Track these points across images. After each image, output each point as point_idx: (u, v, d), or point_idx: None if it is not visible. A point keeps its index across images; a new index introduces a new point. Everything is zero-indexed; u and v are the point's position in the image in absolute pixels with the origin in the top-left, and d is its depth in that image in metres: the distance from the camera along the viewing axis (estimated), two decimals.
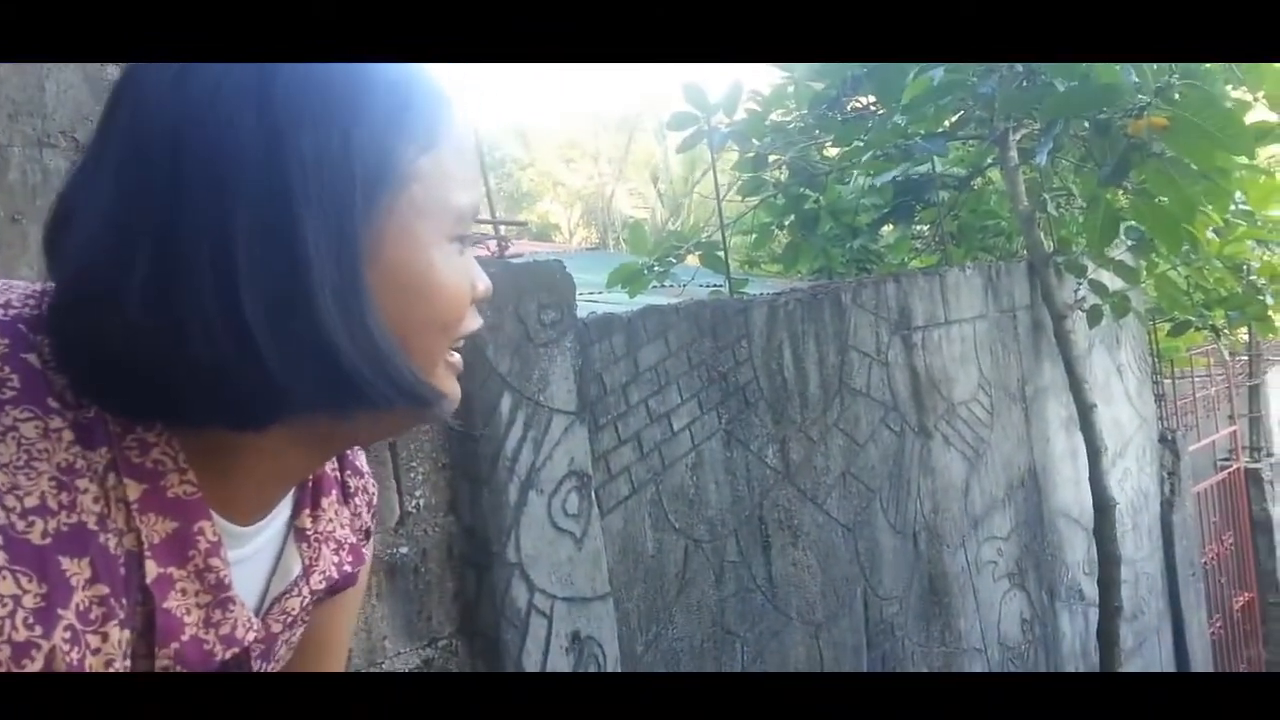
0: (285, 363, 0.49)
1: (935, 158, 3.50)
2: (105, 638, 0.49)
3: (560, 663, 1.78)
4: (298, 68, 0.51)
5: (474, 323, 0.60)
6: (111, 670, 0.49)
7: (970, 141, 3.73)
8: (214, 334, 0.48)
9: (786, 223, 4.04)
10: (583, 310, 1.98)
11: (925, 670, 2.74)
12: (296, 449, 0.57)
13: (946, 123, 3.50)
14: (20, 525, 0.46)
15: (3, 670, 0.44)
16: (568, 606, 1.81)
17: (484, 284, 0.60)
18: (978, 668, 2.94)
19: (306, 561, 0.66)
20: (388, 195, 0.52)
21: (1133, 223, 3.12)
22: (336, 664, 0.78)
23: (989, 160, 3.71)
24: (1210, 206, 2.87)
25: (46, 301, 0.52)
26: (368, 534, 0.75)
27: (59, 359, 0.50)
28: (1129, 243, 3.43)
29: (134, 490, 0.51)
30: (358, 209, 0.51)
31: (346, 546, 0.70)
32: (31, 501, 0.46)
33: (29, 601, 0.45)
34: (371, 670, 1.58)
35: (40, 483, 0.47)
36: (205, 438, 0.54)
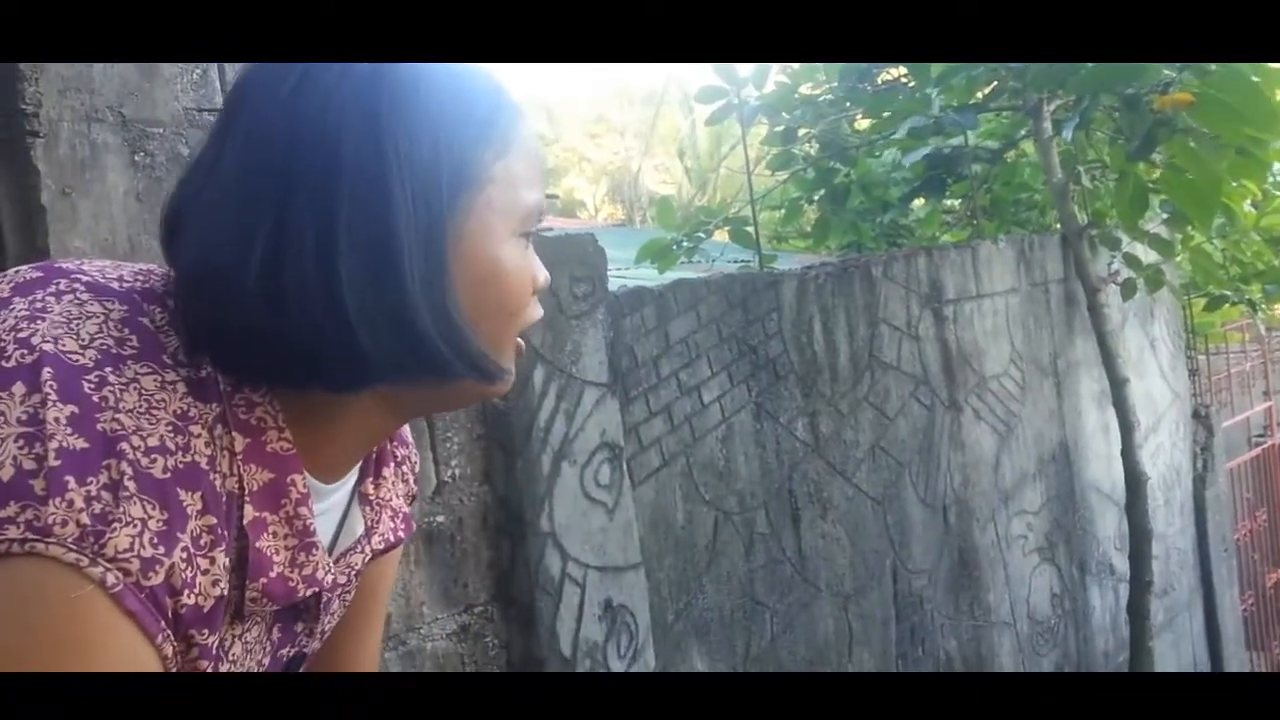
0: (373, 334, 0.56)
1: (967, 130, 3.47)
2: (213, 561, 0.55)
3: (594, 630, 1.81)
4: (401, 80, 0.58)
5: (536, 311, 0.67)
6: (218, 589, 0.56)
7: (1003, 113, 3.69)
8: (314, 305, 0.55)
9: (816, 197, 4.02)
10: (613, 285, 1.99)
11: (955, 643, 2.76)
12: (378, 414, 0.65)
13: (979, 94, 3.46)
14: (144, 461, 0.52)
15: (132, 581, 0.50)
16: (600, 575, 1.84)
17: (544, 275, 0.67)
18: (1007, 642, 2.94)
19: (368, 523, 0.73)
20: (468, 195, 0.60)
21: (1163, 197, 3.08)
22: (380, 617, 0.86)
23: (1022, 132, 3.67)
24: (1239, 181, 2.83)
25: (155, 276, 0.61)
26: (413, 499, 0.83)
27: (184, 325, 0.57)
28: (1163, 215, 3.39)
29: (239, 442, 0.58)
30: (444, 206, 0.58)
31: (400, 515, 0.78)
32: (153, 441, 0.53)
33: (154, 525, 0.52)
34: (410, 634, 1.62)
35: (159, 427, 0.53)
36: (303, 401, 0.61)
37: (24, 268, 0.58)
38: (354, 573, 0.72)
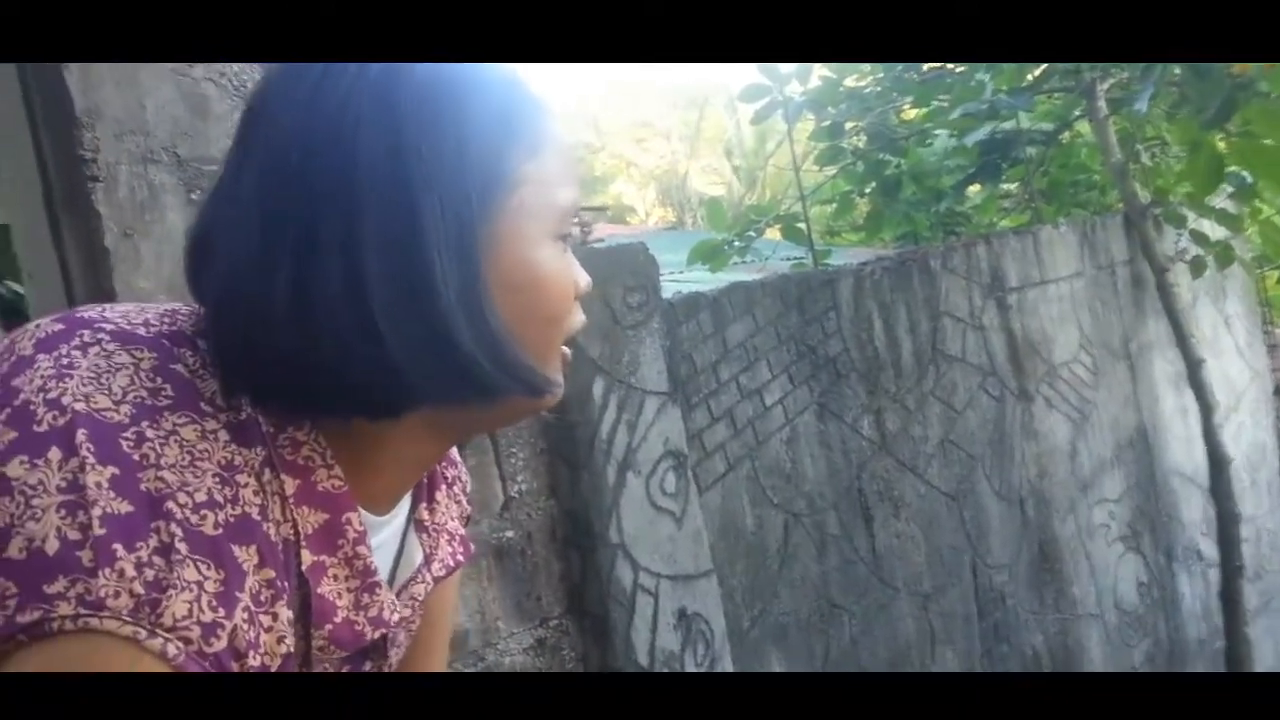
0: (411, 355, 0.53)
1: (1020, 113, 3.39)
2: (275, 616, 0.53)
3: (669, 639, 1.79)
4: (418, 79, 0.55)
5: (580, 317, 0.63)
6: (284, 646, 0.53)
7: (1056, 94, 3.61)
8: (345, 329, 0.52)
9: (867, 190, 3.96)
10: (668, 290, 1.98)
11: (1041, 637, 2.68)
12: (428, 438, 0.61)
13: (1030, 76, 3.39)
14: (194, 519, 0.49)
15: (194, 649, 0.47)
16: (672, 584, 1.82)
17: (585, 280, 0.63)
18: (1095, 634, 2.86)
19: (427, 551, 0.70)
20: (500, 198, 0.56)
21: (1235, 168, 2.98)
22: (443, 643, 0.83)
23: (1076, 113, 3.58)
24: None
25: (182, 317, 0.57)
26: (467, 520, 0.80)
27: (214, 362, 0.54)
28: (1229, 189, 3.28)
29: (289, 485, 0.55)
30: (474, 210, 0.54)
31: (457, 537, 0.75)
32: (200, 496, 0.50)
33: (210, 586, 0.49)
34: (487, 649, 1.62)
35: (205, 480, 0.50)
36: (348, 434, 0.58)
37: (44, 320, 0.54)
38: (417, 604, 0.69)
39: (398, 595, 0.66)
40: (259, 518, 0.53)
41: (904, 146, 3.74)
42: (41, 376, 0.49)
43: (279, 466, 0.55)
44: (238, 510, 0.51)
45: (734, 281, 2.08)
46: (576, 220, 0.65)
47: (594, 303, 1.75)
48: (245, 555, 0.51)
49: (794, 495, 2.14)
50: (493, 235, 0.56)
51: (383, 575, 0.63)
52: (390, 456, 0.61)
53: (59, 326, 0.53)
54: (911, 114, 3.84)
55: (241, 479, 0.52)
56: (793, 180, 3.99)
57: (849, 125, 3.65)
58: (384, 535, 0.64)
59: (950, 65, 3.44)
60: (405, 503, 0.67)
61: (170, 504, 0.48)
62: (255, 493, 0.53)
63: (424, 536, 0.70)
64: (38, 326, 0.53)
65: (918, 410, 2.44)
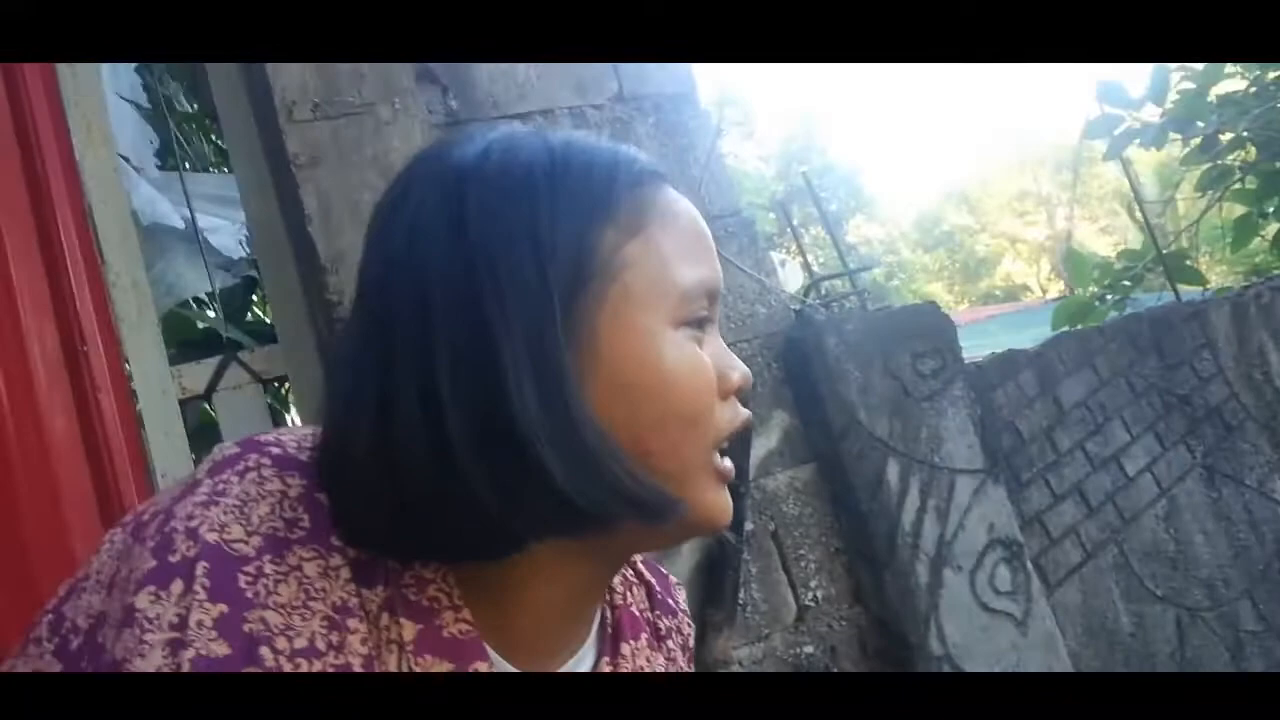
0: (501, 491, 0.47)
1: None
2: None
3: None
4: (488, 179, 0.51)
5: (734, 417, 0.54)
6: None
7: None
8: (428, 470, 0.47)
9: (1270, 209, 3.31)
10: (977, 352, 1.72)
11: None
12: (561, 573, 0.54)
13: None
14: (287, 668, 0.46)
15: None
16: None
17: (740, 372, 0.55)
18: None
19: None
20: (594, 288, 0.50)
21: None
22: None
23: None
24: None
25: None
26: None
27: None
28: None
29: (409, 630, 0.51)
30: (556, 318, 0.49)
31: None
32: (300, 643, 0.47)
33: None
34: None
35: (313, 623, 0.48)
36: (482, 572, 0.52)
37: (228, 444, 0.54)
38: None
39: None
40: (361, 669, 0.48)
41: None
42: (193, 504, 0.48)
43: (399, 609, 0.50)
44: (339, 660, 0.48)
45: (1060, 332, 1.77)
46: (707, 300, 0.54)
47: (875, 374, 1.55)
48: None
49: (1185, 585, 1.72)
50: (592, 332, 0.50)
51: None
52: (529, 594, 0.54)
53: (233, 450, 0.52)
54: None
55: (352, 624, 0.49)
56: (1201, 217, 3.46)
57: (1226, 138, 3.10)
58: None
59: None
60: (588, 657, 0.60)
61: (265, 649, 0.46)
62: (363, 640, 0.49)
63: None
64: (219, 449, 0.53)
65: None
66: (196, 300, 2.35)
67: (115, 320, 1.40)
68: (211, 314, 2.36)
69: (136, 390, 1.38)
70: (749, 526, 1.48)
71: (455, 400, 0.47)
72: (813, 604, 1.51)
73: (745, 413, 0.55)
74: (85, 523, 1.29)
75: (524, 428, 0.47)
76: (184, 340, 2.14)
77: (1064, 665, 1.54)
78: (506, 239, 0.49)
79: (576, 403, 0.48)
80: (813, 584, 1.52)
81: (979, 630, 1.51)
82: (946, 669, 1.48)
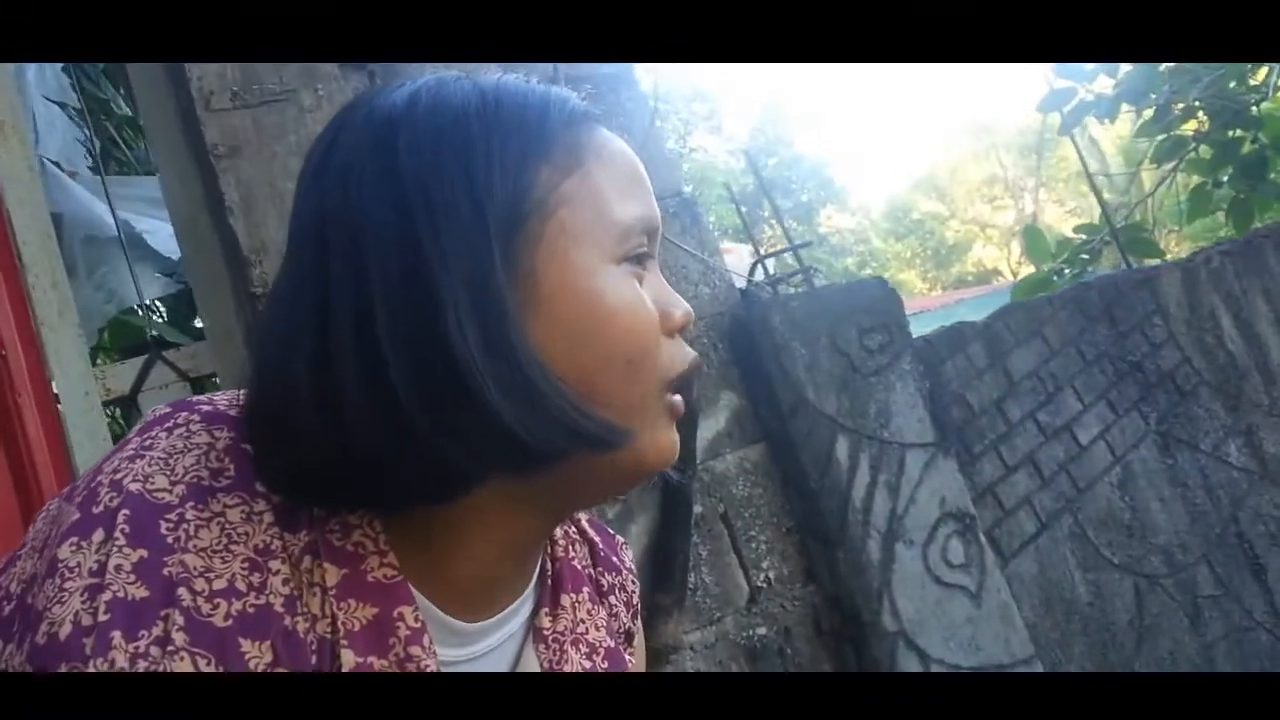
0: (450, 434, 0.47)
1: None
2: None
3: None
4: (419, 120, 0.50)
5: (681, 356, 0.54)
6: None
7: None
8: (372, 419, 0.47)
9: (1225, 178, 3.32)
10: (926, 326, 1.70)
11: None
12: (511, 518, 0.53)
13: None
14: (205, 608, 0.46)
15: None
16: None
17: (682, 310, 0.54)
18: None
19: (545, 665, 0.60)
20: (532, 225, 0.50)
21: None
22: None
23: None
24: None
25: None
26: (629, 636, 0.69)
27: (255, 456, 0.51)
28: None
29: (333, 574, 0.50)
30: (495, 256, 0.48)
31: (601, 650, 0.63)
32: (220, 584, 0.47)
33: None
34: None
35: (233, 565, 0.47)
36: (410, 517, 0.51)
37: (161, 405, 0.53)
38: None
39: None
40: (283, 609, 0.47)
41: (1259, 116, 3.10)
42: (120, 458, 0.49)
43: (323, 553, 0.50)
44: (260, 600, 0.47)
45: (1008, 303, 1.75)
46: (646, 238, 0.53)
47: (822, 351, 1.53)
48: (255, 651, 0.46)
49: (1142, 552, 1.71)
50: (531, 270, 0.49)
51: None
52: (465, 542, 0.53)
53: (165, 410, 0.52)
54: (1262, 73, 3.19)
55: (274, 565, 0.48)
56: (1164, 190, 3.47)
57: (1178, 108, 3.11)
58: (482, 645, 0.56)
59: None
60: (519, 609, 0.58)
61: (183, 590, 0.46)
62: (285, 581, 0.48)
63: (541, 648, 0.60)
64: (153, 411, 0.53)
65: None
66: (144, 306, 2.30)
67: (35, 323, 1.37)
68: (159, 319, 2.31)
69: (59, 393, 1.34)
70: (698, 509, 1.46)
71: (395, 343, 0.46)
72: (765, 585, 1.49)
73: (692, 353, 0.54)
74: (6, 529, 1.25)
75: (466, 367, 0.46)
76: (129, 346, 2.09)
77: (1020, 636, 1.53)
78: (441, 179, 0.48)
79: (519, 339, 0.48)
80: (764, 565, 1.49)
81: (933, 604, 1.49)
82: (901, 644, 1.46)
